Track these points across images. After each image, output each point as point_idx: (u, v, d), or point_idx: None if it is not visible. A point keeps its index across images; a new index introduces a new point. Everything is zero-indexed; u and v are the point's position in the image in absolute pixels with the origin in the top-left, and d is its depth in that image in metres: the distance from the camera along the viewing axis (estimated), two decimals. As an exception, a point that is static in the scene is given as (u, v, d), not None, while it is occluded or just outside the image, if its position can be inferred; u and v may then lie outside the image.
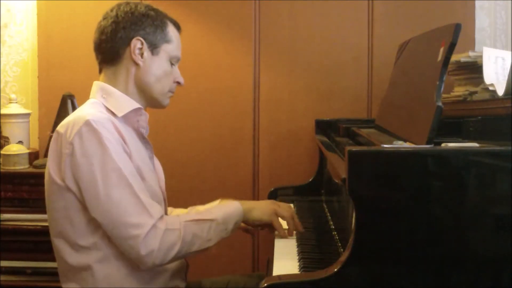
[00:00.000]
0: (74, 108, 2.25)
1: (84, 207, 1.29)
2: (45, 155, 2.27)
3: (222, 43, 2.37)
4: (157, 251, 1.25)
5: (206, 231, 1.33)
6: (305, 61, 2.36)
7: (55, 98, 2.28)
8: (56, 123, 2.25)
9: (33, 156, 2.29)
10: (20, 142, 2.32)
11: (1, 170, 2.19)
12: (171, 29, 1.46)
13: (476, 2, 2.36)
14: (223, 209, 1.41)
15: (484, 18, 2.43)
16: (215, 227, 1.35)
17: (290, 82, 2.37)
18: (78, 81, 2.36)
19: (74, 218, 1.30)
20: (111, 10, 1.45)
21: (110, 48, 1.43)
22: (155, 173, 1.48)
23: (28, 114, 2.39)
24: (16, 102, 2.37)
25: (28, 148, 2.32)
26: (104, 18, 1.45)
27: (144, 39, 1.41)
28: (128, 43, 1.41)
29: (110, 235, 1.28)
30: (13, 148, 2.24)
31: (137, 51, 1.41)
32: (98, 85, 1.45)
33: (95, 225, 1.29)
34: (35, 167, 2.21)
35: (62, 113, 2.25)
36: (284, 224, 1.49)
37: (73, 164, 1.27)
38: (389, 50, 2.03)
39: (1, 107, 2.42)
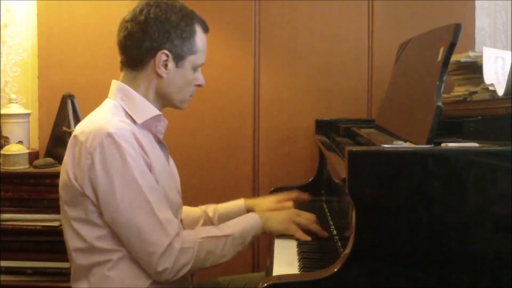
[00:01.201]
0: (74, 108, 2.25)
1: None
2: (45, 155, 2.27)
3: (222, 43, 2.37)
4: (171, 269, 1.28)
5: (221, 247, 1.35)
6: (305, 61, 2.36)
7: (55, 98, 2.28)
8: (56, 123, 2.25)
9: (33, 156, 2.29)
10: (20, 142, 2.32)
11: (1, 170, 2.19)
12: (199, 37, 1.41)
13: (476, 2, 2.36)
14: (241, 224, 1.41)
15: (484, 18, 2.43)
16: (231, 242, 1.36)
17: (290, 82, 2.37)
18: (78, 81, 2.37)
19: (94, 221, 1.31)
20: (140, 12, 1.37)
21: (135, 56, 1.38)
22: (172, 176, 1.49)
23: (28, 114, 2.38)
24: (16, 102, 2.37)
25: (28, 148, 2.32)
26: (132, 20, 1.38)
27: (170, 52, 1.37)
28: (153, 55, 1.36)
29: (127, 246, 1.30)
30: (13, 148, 2.24)
31: (161, 64, 1.37)
32: (117, 85, 1.41)
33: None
34: (35, 167, 2.21)
35: (62, 113, 2.25)
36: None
37: (92, 175, 1.27)
38: (389, 50, 2.03)
39: (1, 107, 2.42)
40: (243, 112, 2.38)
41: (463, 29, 1.19)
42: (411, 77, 1.50)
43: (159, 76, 1.38)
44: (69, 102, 2.25)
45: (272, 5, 2.35)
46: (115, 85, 1.42)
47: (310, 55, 2.36)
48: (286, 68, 2.37)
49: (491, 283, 1.06)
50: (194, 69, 1.43)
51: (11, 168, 2.20)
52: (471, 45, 2.30)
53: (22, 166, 2.22)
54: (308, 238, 1.43)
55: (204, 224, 1.66)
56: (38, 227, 2.14)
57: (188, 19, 1.39)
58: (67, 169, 1.31)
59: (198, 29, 1.42)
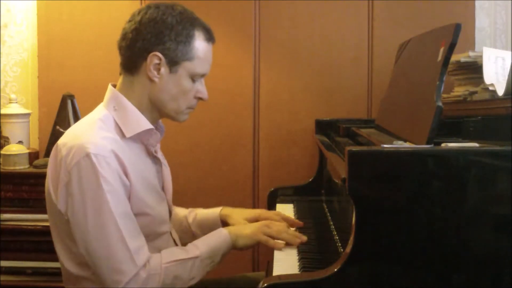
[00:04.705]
0: (74, 108, 2.25)
1: None
2: (45, 155, 2.27)
3: (222, 43, 2.37)
4: None
5: (189, 270, 1.30)
6: (305, 61, 2.36)
7: (55, 98, 2.28)
8: (56, 123, 2.25)
9: (33, 156, 2.29)
10: (20, 142, 2.32)
11: (1, 170, 2.19)
12: (197, 44, 1.34)
13: (476, 2, 2.36)
14: (209, 243, 1.36)
15: (484, 18, 2.43)
16: (199, 263, 1.31)
17: (290, 82, 2.37)
18: (78, 81, 2.37)
19: (71, 236, 1.28)
20: (138, 13, 1.33)
21: (129, 57, 1.34)
22: (159, 191, 1.44)
23: (28, 114, 2.39)
24: (16, 102, 2.37)
25: (28, 148, 2.32)
26: (130, 20, 1.34)
27: (163, 55, 1.30)
28: (145, 57, 1.31)
29: (93, 270, 1.26)
30: (13, 148, 2.24)
31: (152, 67, 1.31)
32: (112, 92, 1.36)
33: None
34: (35, 167, 2.21)
35: (62, 113, 2.25)
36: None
37: (68, 194, 1.24)
38: (389, 50, 2.03)
39: (1, 107, 2.42)
40: (243, 112, 2.38)
41: (463, 29, 1.19)
42: (411, 77, 1.50)
43: (152, 81, 1.32)
44: (69, 102, 2.25)
45: (272, 5, 2.36)
46: (110, 92, 1.37)
47: (310, 55, 2.36)
48: (286, 68, 2.37)
49: (491, 283, 1.06)
50: (192, 78, 1.35)
51: (11, 168, 2.20)
52: (471, 45, 2.30)
53: (22, 166, 2.22)
54: (282, 245, 1.38)
55: (183, 230, 1.63)
56: (38, 227, 2.14)
57: (186, 23, 1.33)
58: (48, 178, 1.30)
59: (199, 36, 1.34)
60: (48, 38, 2.41)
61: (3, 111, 2.33)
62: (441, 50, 1.22)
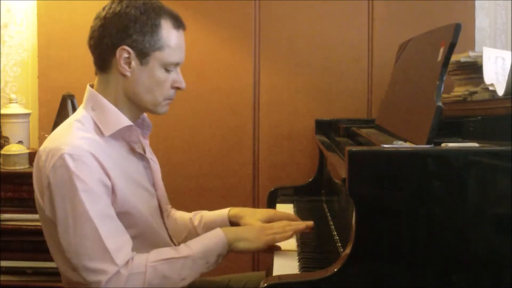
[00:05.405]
0: (74, 108, 2.25)
1: None
2: (45, 155, 2.27)
3: (222, 43, 2.37)
4: None
5: (179, 270, 1.25)
6: (305, 61, 2.36)
7: (55, 98, 2.28)
8: (56, 123, 2.25)
9: (33, 156, 2.27)
10: (20, 142, 2.32)
11: (1, 170, 2.19)
12: (166, 33, 1.31)
13: (476, 2, 2.36)
14: (202, 242, 1.31)
15: (484, 18, 2.43)
16: (190, 264, 1.27)
17: (290, 82, 2.37)
18: (78, 81, 2.36)
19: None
20: (103, 9, 1.33)
21: (99, 55, 1.34)
22: (151, 185, 1.42)
23: (28, 114, 2.39)
24: (16, 102, 2.38)
25: (28, 148, 2.32)
26: (96, 18, 1.34)
27: (131, 47, 1.29)
28: (114, 52, 1.30)
29: (75, 271, 1.23)
30: (13, 148, 2.24)
31: (123, 62, 1.30)
32: (90, 93, 1.36)
33: None
34: (35, 167, 2.21)
35: (62, 113, 2.25)
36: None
37: (49, 197, 1.24)
38: (389, 50, 2.03)
39: (1, 107, 2.42)
40: (243, 112, 2.38)
41: (463, 29, 1.19)
42: (411, 77, 1.50)
43: (124, 76, 1.31)
44: (69, 102, 2.25)
45: (272, 5, 2.36)
46: (87, 92, 1.36)
47: (310, 55, 2.36)
48: (286, 67, 2.37)
49: (491, 283, 1.06)
50: (166, 68, 1.33)
51: (11, 168, 2.20)
52: (471, 45, 2.30)
53: (22, 166, 2.22)
54: (290, 233, 1.35)
55: (189, 234, 1.58)
56: (38, 227, 2.11)
57: (151, 13, 1.30)
58: (35, 185, 1.30)
59: (166, 24, 1.31)
60: (48, 38, 2.41)
61: (3, 111, 2.33)
62: (441, 50, 1.22)
